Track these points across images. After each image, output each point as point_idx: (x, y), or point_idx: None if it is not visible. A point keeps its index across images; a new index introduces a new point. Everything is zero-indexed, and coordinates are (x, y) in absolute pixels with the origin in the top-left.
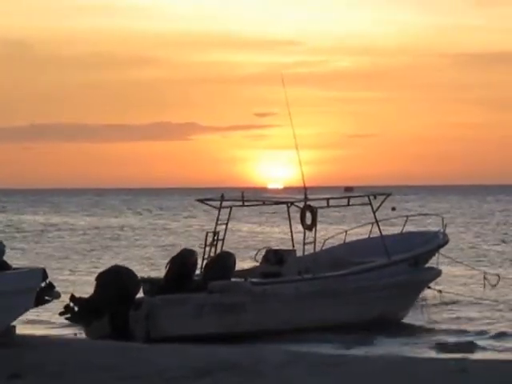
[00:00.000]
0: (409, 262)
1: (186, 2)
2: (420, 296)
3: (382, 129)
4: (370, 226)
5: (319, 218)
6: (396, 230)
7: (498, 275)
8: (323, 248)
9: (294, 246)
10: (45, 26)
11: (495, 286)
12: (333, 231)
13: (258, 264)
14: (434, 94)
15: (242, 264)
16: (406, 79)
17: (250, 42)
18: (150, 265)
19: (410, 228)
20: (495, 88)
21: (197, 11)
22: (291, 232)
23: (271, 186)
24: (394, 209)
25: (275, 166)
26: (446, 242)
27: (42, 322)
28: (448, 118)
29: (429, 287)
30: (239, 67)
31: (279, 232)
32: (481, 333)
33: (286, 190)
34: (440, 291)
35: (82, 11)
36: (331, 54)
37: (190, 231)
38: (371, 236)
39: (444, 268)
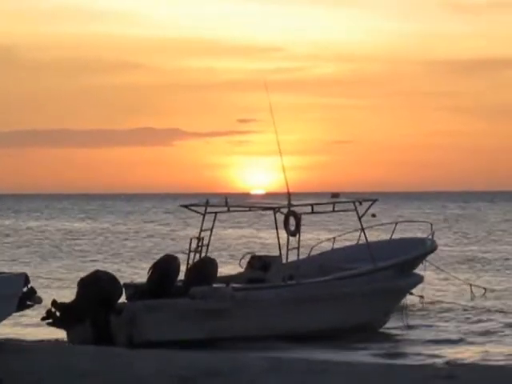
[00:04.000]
0: (395, 268)
1: (169, 9)
2: (402, 301)
3: (361, 135)
4: (358, 233)
5: (305, 224)
6: (383, 236)
7: (484, 288)
8: (310, 254)
9: (280, 252)
10: (28, 32)
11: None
12: (319, 237)
13: (242, 270)
14: (413, 101)
15: (229, 270)
16: (385, 86)
17: (232, 49)
18: (133, 269)
19: (397, 235)
20: (473, 96)
21: (180, 18)
22: (278, 238)
23: (254, 191)
24: (374, 215)
25: (258, 172)
26: (433, 249)
27: (24, 327)
28: (427, 126)
29: (411, 293)
30: (221, 73)
31: (262, 237)
32: (463, 339)
33: (269, 195)
34: (422, 297)
35: (66, 17)
36: (312, 61)
37: (174, 236)
38: (360, 242)
39: (429, 274)
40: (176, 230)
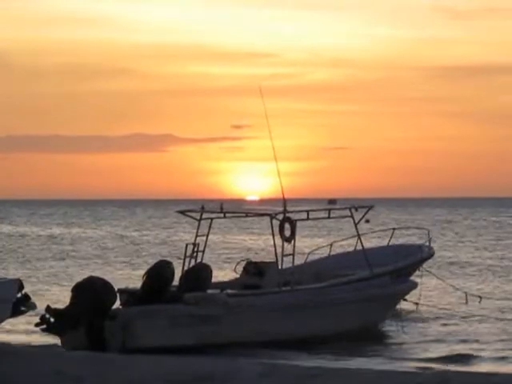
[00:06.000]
0: (391, 274)
1: (162, 14)
2: (396, 308)
3: (355, 142)
4: (355, 239)
5: (303, 230)
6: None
7: (479, 296)
8: (307, 260)
9: (276, 258)
10: (20, 37)
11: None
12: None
13: (238, 276)
14: (407, 107)
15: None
16: (380, 92)
17: (226, 54)
18: (127, 275)
19: (394, 241)
20: (468, 101)
21: (173, 23)
22: (274, 244)
23: (249, 197)
24: (367, 221)
25: (252, 178)
26: (430, 255)
27: (18, 333)
28: (422, 132)
29: (405, 299)
30: (215, 79)
31: (258, 244)
32: (457, 345)
33: (264, 201)
34: (417, 303)
35: (58, 22)
36: (307, 67)
37: (168, 242)
38: (357, 248)
39: (425, 280)
40: (170, 235)
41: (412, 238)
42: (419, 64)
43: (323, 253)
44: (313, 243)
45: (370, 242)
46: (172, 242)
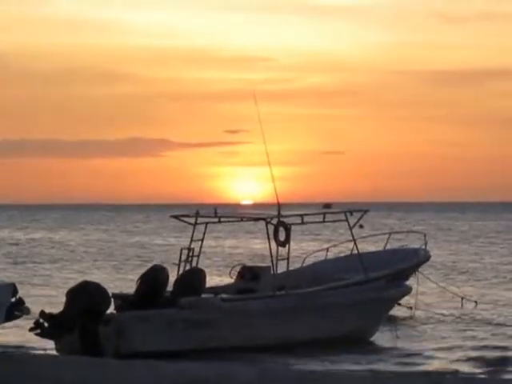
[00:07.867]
0: (386, 278)
1: (157, 19)
2: (391, 312)
3: (351, 146)
4: (351, 243)
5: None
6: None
7: (475, 301)
8: (304, 264)
9: (272, 263)
10: (17, 41)
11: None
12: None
13: (233, 280)
14: (401, 111)
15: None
16: (375, 96)
17: (221, 59)
18: (122, 280)
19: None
20: (463, 106)
21: (169, 28)
22: (270, 248)
23: (244, 202)
24: (361, 226)
25: (248, 183)
26: (427, 259)
27: (12, 338)
28: (416, 136)
29: (399, 304)
30: (211, 84)
31: (254, 248)
32: (452, 349)
33: (258, 206)
34: (411, 308)
35: (55, 26)
36: (302, 71)
37: (164, 247)
38: (354, 252)
39: (420, 284)
40: (165, 240)
41: (409, 242)
42: (413, 68)
43: (319, 256)
44: (308, 247)
45: (367, 246)
46: (166, 247)
